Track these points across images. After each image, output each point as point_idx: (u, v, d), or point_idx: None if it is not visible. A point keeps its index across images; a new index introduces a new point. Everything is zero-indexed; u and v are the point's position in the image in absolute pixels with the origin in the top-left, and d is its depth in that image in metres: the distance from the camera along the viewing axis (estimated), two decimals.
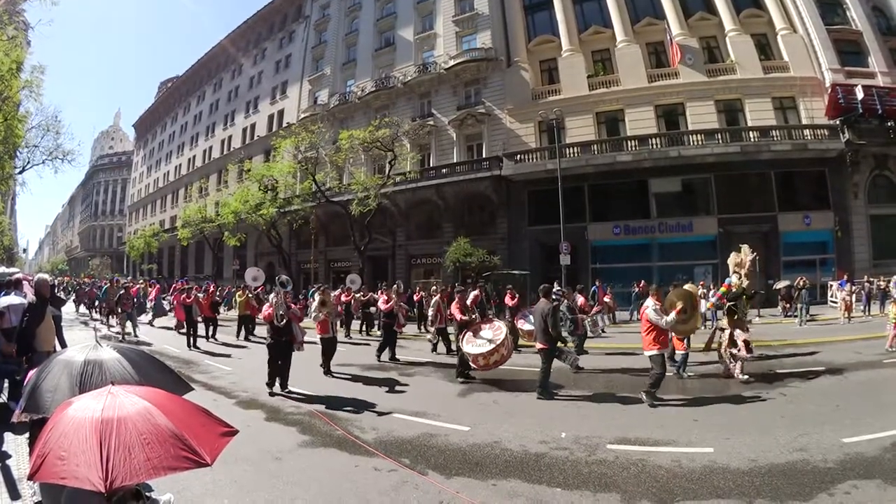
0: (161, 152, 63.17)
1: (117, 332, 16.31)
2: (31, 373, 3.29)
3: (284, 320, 8.45)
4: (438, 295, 12.98)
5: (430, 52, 33.35)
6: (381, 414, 7.19)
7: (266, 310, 8.68)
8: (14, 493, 4.24)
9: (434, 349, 13.00)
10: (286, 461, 5.40)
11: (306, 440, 6.15)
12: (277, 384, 8.56)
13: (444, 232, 28.89)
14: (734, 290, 9.49)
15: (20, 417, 2.94)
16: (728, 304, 9.43)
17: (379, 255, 31.01)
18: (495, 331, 9.34)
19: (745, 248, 10.18)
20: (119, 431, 2.06)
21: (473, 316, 10.38)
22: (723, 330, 9.35)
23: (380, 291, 18.56)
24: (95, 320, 20.35)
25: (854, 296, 17.29)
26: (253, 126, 45.54)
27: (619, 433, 6.06)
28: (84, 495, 2.14)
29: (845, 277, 18.55)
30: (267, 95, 44.65)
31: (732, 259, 10.13)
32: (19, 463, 4.81)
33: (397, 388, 9.05)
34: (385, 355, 11.79)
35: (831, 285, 21.22)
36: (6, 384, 6.27)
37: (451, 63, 31.05)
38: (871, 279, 18.70)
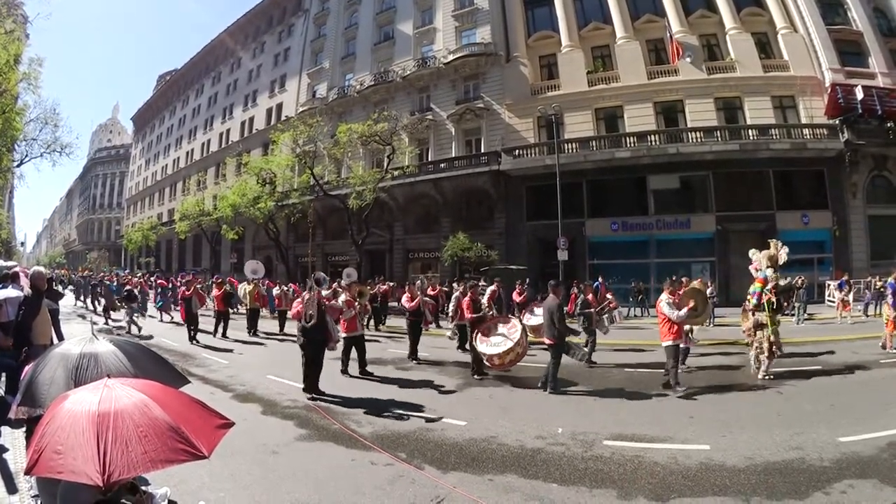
0: (159, 145, 62.98)
1: (120, 326, 16.26)
2: (28, 367, 3.27)
3: (313, 321, 7.99)
4: (460, 291, 12.17)
5: (430, 47, 33.25)
6: (377, 408, 7.19)
7: (296, 306, 8.17)
8: (11, 487, 4.21)
9: (460, 347, 12.03)
10: (283, 455, 5.40)
11: (303, 434, 6.15)
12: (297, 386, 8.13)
13: (442, 226, 28.90)
14: (771, 284, 9.19)
15: (17, 413, 2.91)
16: (776, 297, 9.14)
17: (376, 250, 31.02)
18: (510, 329, 9.12)
19: (775, 242, 9.96)
20: (116, 424, 2.04)
21: (491, 312, 10.11)
22: (763, 326, 8.98)
23: (379, 284, 18.61)
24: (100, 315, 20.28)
25: (853, 295, 17.24)
26: (251, 119, 45.41)
27: (615, 429, 6.08)
28: (80, 489, 2.12)
29: (844, 277, 18.51)
30: (265, 89, 44.52)
31: (764, 254, 9.76)
32: (16, 457, 4.78)
33: (394, 382, 9.04)
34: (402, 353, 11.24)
35: (829, 284, 21.26)
36: (3, 378, 6.24)
37: (451, 58, 30.94)
38: (872, 279, 18.64)
